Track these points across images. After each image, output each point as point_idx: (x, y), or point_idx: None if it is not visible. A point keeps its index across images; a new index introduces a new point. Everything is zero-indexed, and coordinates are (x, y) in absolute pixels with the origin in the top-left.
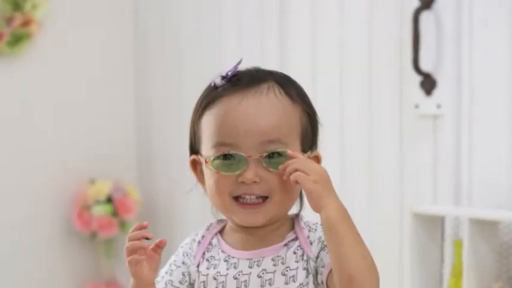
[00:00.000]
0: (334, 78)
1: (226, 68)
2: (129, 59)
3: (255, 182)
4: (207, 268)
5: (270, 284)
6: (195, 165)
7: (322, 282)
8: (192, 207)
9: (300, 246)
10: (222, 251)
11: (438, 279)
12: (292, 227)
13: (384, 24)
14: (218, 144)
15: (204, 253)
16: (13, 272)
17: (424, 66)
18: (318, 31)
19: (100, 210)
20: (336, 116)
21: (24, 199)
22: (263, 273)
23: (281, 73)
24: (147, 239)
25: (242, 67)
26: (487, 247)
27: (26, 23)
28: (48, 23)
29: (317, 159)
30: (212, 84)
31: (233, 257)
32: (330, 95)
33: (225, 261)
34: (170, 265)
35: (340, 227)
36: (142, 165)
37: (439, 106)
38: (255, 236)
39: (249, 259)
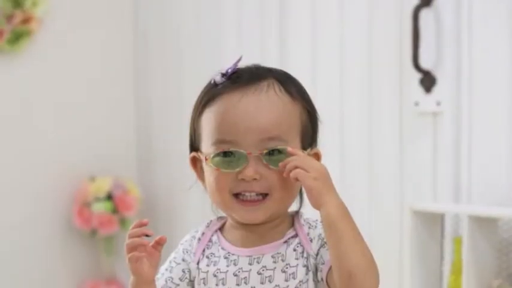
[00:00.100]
0: (334, 76)
1: (226, 66)
2: (129, 59)
3: (255, 179)
4: (207, 265)
5: (269, 281)
6: (195, 162)
7: (322, 279)
8: (192, 205)
9: (300, 243)
10: (222, 248)
11: (438, 276)
12: (292, 224)
13: (383, 22)
14: (218, 142)
15: (204, 250)
16: (13, 269)
17: (424, 63)
18: (317, 29)
19: (100, 208)
20: (336, 114)
21: (25, 197)
22: (263, 270)
23: (281, 70)
24: (147, 236)
25: (242, 64)
26: (487, 244)
27: (26, 20)
28: (48, 20)
29: (317, 156)
30: (212, 81)
31: (233, 254)
32: (330, 93)
33: (225, 258)
34: (170, 262)
35: (340, 224)
36: (143, 162)
37: (438, 103)
38: (255, 233)
39: (249, 256)
